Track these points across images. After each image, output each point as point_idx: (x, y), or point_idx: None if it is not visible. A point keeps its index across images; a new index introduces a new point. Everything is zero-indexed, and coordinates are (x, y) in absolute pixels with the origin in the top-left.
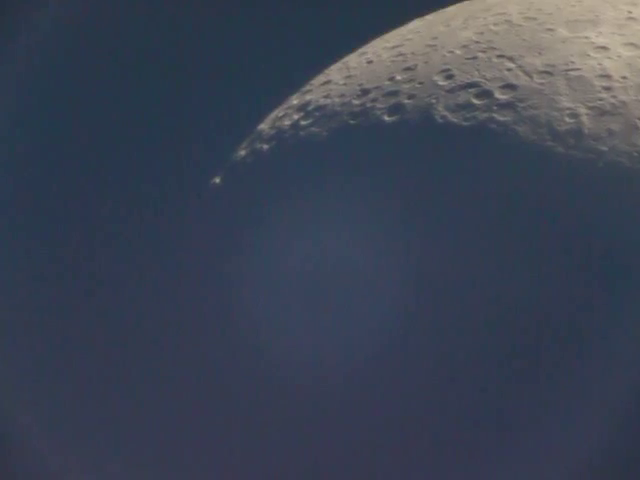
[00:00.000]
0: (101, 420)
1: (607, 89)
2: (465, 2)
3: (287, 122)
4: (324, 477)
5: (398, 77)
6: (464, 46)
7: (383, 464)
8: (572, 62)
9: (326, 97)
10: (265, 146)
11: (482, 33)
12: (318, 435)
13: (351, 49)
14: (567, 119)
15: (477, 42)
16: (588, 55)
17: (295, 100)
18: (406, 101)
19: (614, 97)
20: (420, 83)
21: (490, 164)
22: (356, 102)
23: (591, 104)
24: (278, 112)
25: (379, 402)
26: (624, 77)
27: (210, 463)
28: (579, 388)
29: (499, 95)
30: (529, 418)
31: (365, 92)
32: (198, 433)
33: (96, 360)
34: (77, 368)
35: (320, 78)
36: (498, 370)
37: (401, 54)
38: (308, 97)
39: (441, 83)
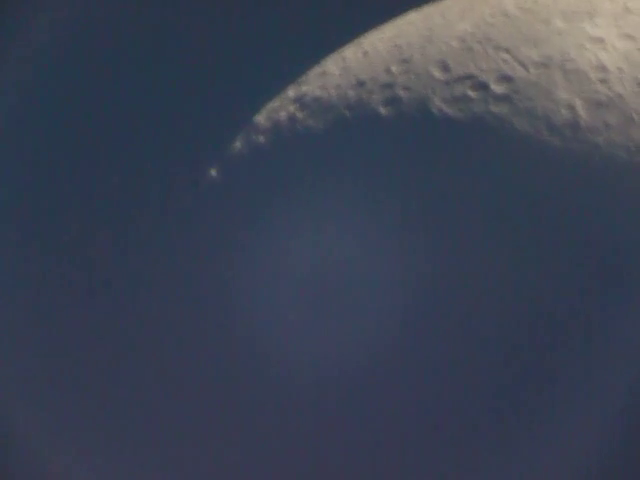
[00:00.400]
0: (101, 420)
1: (603, 81)
2: None
3: (283, 113)
4: (325, 477)
5: (394, 69)
6: (460, 38)
7: (384, 464)
8: (568, 54)
9: (322, 88)
10: (261, 138)
11: (478, 25)
12: (319, 435)
13: (347, 40)
14: (563, 111)
15: (473, 34)
16: (584, 47)
17: (291, 91)
18: (402, 93)
19: (610, 89)
20: (416, 75)
21: (486, 156)
22: (352, 94)
23: (587, 96)
24: (274, 103)
25: (380, 401)
26: (620, 69)
27: (211, 463)
28: (581, 385)
29: (495, 87)
30: (531, 416)
31: (361, 83)
32: (199, 433)
33: (96, 360)
34: (77, 368)
35: (316, 69)
36: (499, 369)
37: (397, 45)
38: (304, 88)
39: (437, 75)
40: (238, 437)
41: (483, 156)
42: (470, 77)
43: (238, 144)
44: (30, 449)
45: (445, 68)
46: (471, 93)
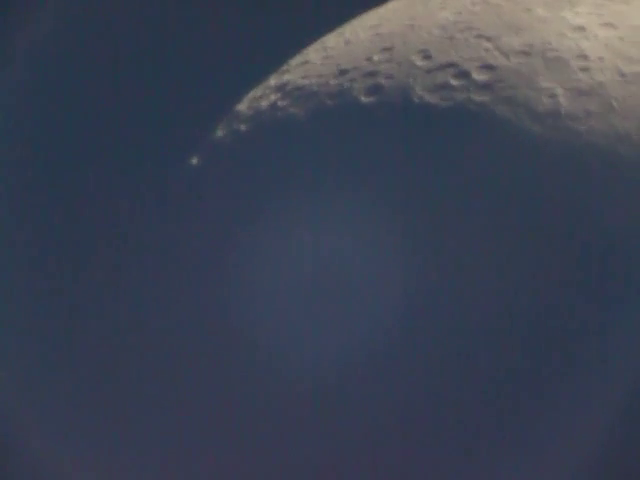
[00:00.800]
0: (101, 420)
1: (584, 69)
2: None
3: (265, 102)
4: (325, 476)
5: (376, 57)
6: (442, 26)
7: (383, 464)
8: (550, 42)
9: (304, 77)
10: (243, 126)
11: (460, 13)
12: (319, 434)
13: (329, 29)
14: (545, 99)
15: (455, 22)
16: (566, 35)
17: (273, 80)
18: (384, 81)
19: (591, 77)
20: (398, 63)
21: (468, 144)
22: (334, 82)
23: (568, 84)
24: (256, 92)
25: (379, 401)
26: (601, 58)
27: (211, 461)
28: (579, 388)
29: (477, 75)
30: (529, 419)
31: (343, 72)
32: (199, 432)
33: (96, 360)
34: (77, 368)
35: (298, 58)
36: (498, 370)
37: (379, 34)
38: (286, 77)
39: (419, 63)
40: (238, 436)
41: (465, 144)
42: (452, 65)
43: (220, 132)
44: (30, 449)
45: (427, 56)
46: (453, 81)
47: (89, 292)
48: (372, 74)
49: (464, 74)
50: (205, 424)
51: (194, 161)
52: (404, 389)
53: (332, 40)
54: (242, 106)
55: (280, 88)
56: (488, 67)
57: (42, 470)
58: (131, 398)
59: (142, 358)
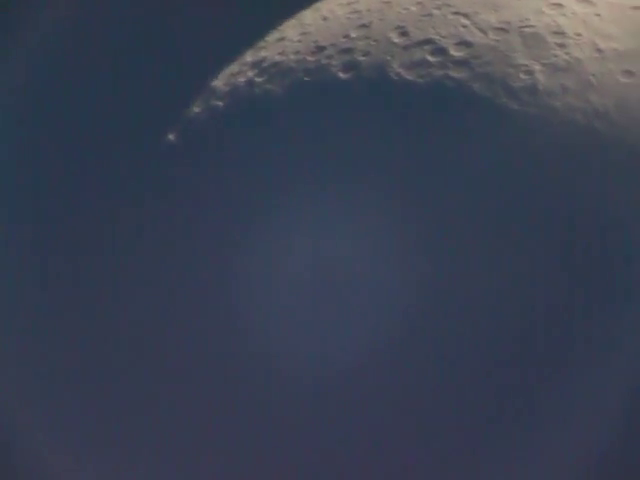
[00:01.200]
0: (102, 420)
1: (561, 46)
2: None
3: (242, 79)
4: (325, 476)
5: (353, 34)
6: (419, 3)
7: (383, 462)
8: (527, 19)
9: (281, 54)
10: (219, 103)
11: None
12: (319, 434)
13: (306, 5)
14: (522, 76)
15: None
16: (543, 12)
17: (249, 57)
18: (361, 58)
19: (568, 54)
20: (375, 40)
21: (445, 120)
22: (311, 59)
23: (546, 61)
24: (232, 69)
25: (379, 402)
26: (578, 34)
27: (211, 461)
28: (577, 390)
29: (454, 52)
30: (530, 418)
31: (320, 49)
32: (200, 432)
33: (96, 359)
34: (77, 368)
35: (275, 35)
36: (497, 371)
37: (356, 11)
38: (263, 54)
39: (396, 40)
40: (238, 437)
41: (442, 120)
42: (429, 42)
43: (196, 109)
44: (30, 449)
45: (404, 33)
46: (430, 58)
47: (88, 291)
48: (349, 51)
49: (441, 51)
50: (205, 424)
51: (170, 138)
52: (405, 390)
53: (309, 16)
54: (219, 82)
55: (257, 64)
56: (465, 44)
57: (42, 470)
58: (131, 398)
59: (142, 358)
